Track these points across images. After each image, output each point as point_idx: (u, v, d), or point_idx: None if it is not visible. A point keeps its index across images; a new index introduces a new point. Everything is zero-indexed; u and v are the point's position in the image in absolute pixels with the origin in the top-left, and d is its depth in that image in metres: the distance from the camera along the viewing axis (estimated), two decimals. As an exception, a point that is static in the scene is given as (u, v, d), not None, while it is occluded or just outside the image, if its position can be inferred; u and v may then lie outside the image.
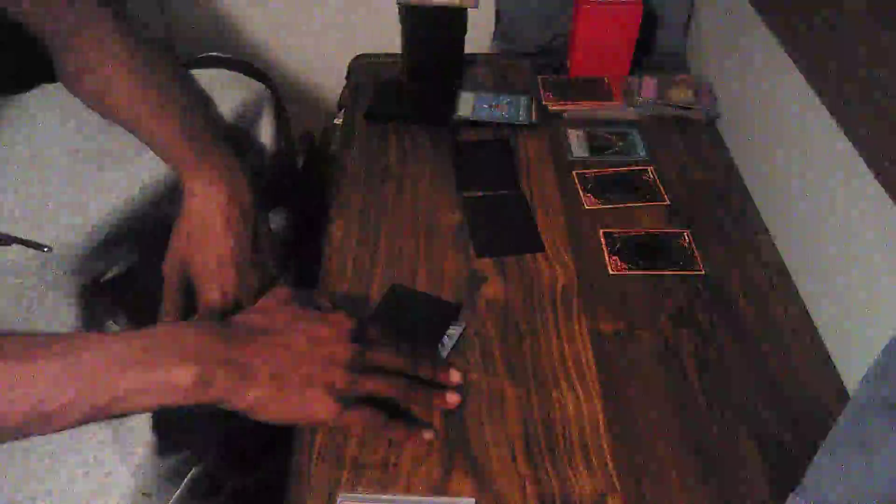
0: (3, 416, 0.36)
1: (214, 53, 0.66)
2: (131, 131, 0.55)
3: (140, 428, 0.42)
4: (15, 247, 0.49)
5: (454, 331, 0.57)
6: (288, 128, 0.72)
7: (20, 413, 0.36)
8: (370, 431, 0.49)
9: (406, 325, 0.58)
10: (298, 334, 0.43)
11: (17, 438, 0.39)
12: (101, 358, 0.38)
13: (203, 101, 0.61)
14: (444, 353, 0.55)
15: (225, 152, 0.55)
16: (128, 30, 0.56)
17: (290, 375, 0.42)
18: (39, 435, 0.38)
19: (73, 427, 0.38)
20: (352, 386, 0.44)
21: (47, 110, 0.56)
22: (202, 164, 0.53)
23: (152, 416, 0.42)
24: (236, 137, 0.61)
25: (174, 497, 0.42)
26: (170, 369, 0.38)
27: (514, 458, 0.50)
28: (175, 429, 0.44)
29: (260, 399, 0.41)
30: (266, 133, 0.67)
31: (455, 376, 0.52)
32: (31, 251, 0.49)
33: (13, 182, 0.52)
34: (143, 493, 0.40)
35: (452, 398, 0.51)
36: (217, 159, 0.54)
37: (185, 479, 0.43)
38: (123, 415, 0.39)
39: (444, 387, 0.51)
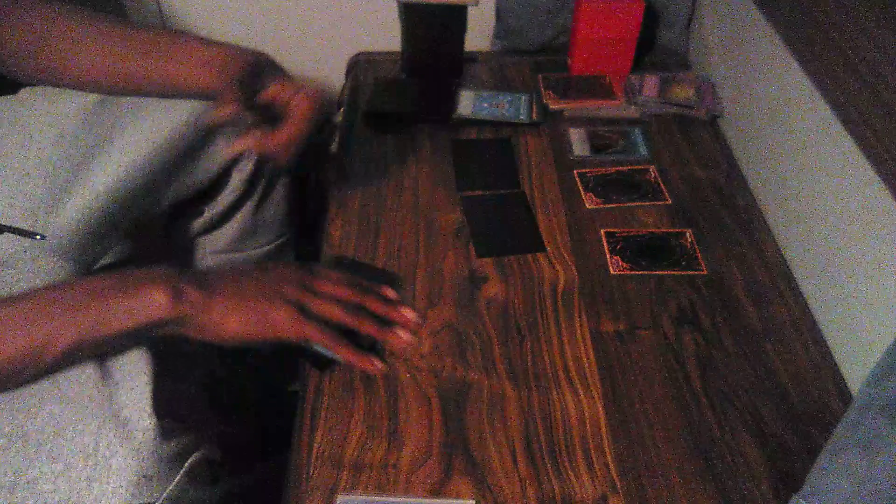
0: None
1: None
2: (152, 81, 0.56)
3: (140, 412, 0.42)
4: (7, 235, 0.49)
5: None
6: None
7: (12, 351, 0.39)
8: (326, 343, 0.51)
9: None
10: (253, 269, 0.52)
11: (11, 382, 0.41)
12: (80, 289, 0.43)
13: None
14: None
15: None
16: (94, 12, 0.57)
17: (250, 290, 0.48)
18: (33, 377, 0.41)
19: (63, 364, 0.41)
20: (305, 299, 0.50)
21: (33, 98, 0.56)
22: (221, 46, 0.56)
23: (152, 401, 0.43)
24: None
25: (174, 481, 0.42)
26: (146, 289, 0.44)
27: (514, 459, 0.49)
28: (174, 414, 0.44)
29: (225, 312, 0.46)
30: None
31: (409, 314, 0.56)
32: (24, 240, 0.49)
33: (3, 170, 0.52)
34: (144, 476, 0.40)
35: (404, 336, 0.55)
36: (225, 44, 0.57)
37: (185, 465, 0.43)
38: (107, 344, 0.43)
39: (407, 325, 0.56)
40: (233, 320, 0.46)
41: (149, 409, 0.42)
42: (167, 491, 0.41)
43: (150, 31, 0.57)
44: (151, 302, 0.43)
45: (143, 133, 0.56)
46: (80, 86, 0.56)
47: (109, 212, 0.54)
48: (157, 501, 0.40)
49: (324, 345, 0.51)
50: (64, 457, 0.39)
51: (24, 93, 0.57)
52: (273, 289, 0.49)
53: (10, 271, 0.48)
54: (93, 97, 0.56)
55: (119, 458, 0.39)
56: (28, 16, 0.54)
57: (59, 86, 0.56)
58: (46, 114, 0.55)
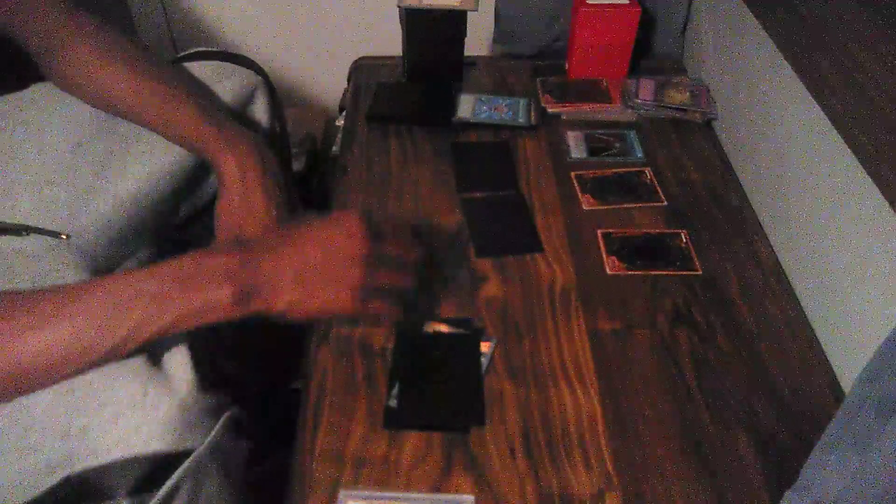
0: (90, 348, 0.40)
1: (201, 48, 0.67)
2: (146, 126, 0.57)
3: (182, 368, 0.44)
4: (32, 236, 0.50)
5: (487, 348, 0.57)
6: (281, 112, 0.72)
7: (108, 342, 0.40)
8: (390, 320, 0.53)
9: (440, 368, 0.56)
10: (313, 245, 0.47)
11: (88, 369, 0.41)
12: (163, 281, 0.42)
13: (203, 87, 0.62)
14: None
15: (241, 127, 0.57)
16: (115, 31, 0.58)
17: (313, 280, 0.46)
18: (106, 363, 0.42)
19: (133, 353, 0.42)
20: (368, 280, 0.48)
21: (44, 98, 0.57)
22: (228, 143, 0.55)
23: (191, 357, 0.45)
24: (238, 118, 0.63)
25: (214, 430, 0.44)
26: (211, 291, 0.43)
27: (513, 456, 0.50)
28: (210, 370, 0.46)
29: (290, 303, 0.46)
30: (261, 117, 0.68)
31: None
32: (48, 240, 0.51)
33: (24, 175, 0.53)
34: (188, 424, 0.42)
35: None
36: (238, 135, 0.56)
37: (223, 417, 0.45)
38: (172, 334, 0.43)
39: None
40: (299, 310, 0.46)
41: (190, 366, 0.44)
42: (209, 438, 0.43)
43: (160, 76, 0.56)
44: (218, 306, 0.44)
45: (161, 142, 0.57)
46: (85, 101, 0.57)
47: (132, 218, 0.56)
48: (199, 447, 0.42)
49: (388, 318, 0.52)
50: (113, 405, 0.41)
51: (34, 91, 0.57)
52: (338, 273, 0.47)
53: (39, 264, 0.50)
54: None
55: (165, 407, 0.41)
56: (45, 24, 0.54)
57: (70, 93, 0.57)
58: (60, 118, 0.56)
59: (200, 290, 0.43)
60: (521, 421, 0.52)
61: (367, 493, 0.48)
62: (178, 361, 0.44)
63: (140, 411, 0.41)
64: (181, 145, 0.57)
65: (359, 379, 0.55)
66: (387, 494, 0.48)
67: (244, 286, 0.44)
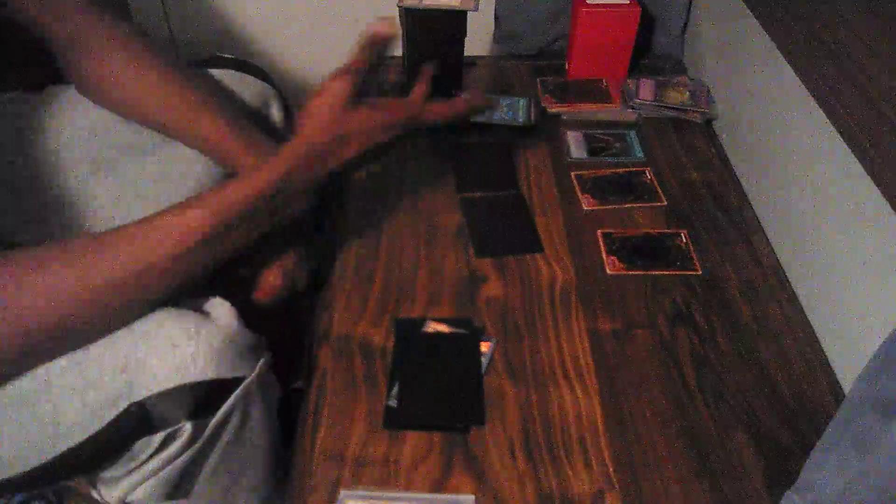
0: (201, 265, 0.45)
1: (219, 54, 0.67)
2: (171, 135, 0.57)
3: (226, 313, 0.47)
4: None
5: (487, 348, 0.57)
6: (293, 123, 0.72)
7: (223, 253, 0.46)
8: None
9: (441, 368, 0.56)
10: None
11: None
12: (247, 207, 0.48)
13: (230, 96, 0.62)
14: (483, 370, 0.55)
15: (266, 140, 0.58)
16: (145, 38, 0.57)
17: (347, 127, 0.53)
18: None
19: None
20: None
21: (59, 104, 0.57)
22: (256, 157, 0.56)
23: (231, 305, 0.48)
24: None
25: (263, 360, 0.47)
26: (293, 204, 0.51)
27: (513, 456, 0.50)
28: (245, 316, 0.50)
29: (348, 159, 0.53)
30: (274, 131, 0.67)
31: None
32: None
33: (47, 199, 0.53)
34: (239, 354, 0.45)
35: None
36: (265, 149, 0.57)
37: (264, 355, 0.48)
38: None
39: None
40: (354, 164, 0.53)
41: (233, 311, 0.47)
42: (257, 368, 0.47)
43: (190, 85, 0.56)
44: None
45: (182, 166, 0.57)
46: (110, 108, 0.57)
47: None
48: (250, 377, 0.46)
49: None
50: (170, 339, 0.43)
51: (49, 95, 0.57)
52: (363, 112, 0.53)
53: None
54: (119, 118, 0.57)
55: (217, 340, 0.44)
56: (73, 23, 0.54)
57: (93, 99, 0.57)
58: (77, 130, 0.55)
59: (284, 205, 0.49)
60: (521, 421, 0.52)
61: (367, 493, 0.48)
62: (221, 306, 0.47)
63: (194, 342, 0.43)
64: (205, 154, 0.57)
65: (359, 379, 0.55)
66: (387, 494, 0.48)
67: (311, 180, 0.50)
